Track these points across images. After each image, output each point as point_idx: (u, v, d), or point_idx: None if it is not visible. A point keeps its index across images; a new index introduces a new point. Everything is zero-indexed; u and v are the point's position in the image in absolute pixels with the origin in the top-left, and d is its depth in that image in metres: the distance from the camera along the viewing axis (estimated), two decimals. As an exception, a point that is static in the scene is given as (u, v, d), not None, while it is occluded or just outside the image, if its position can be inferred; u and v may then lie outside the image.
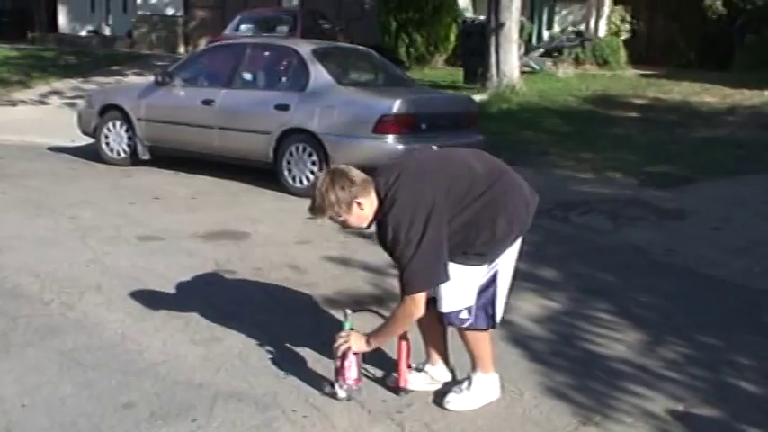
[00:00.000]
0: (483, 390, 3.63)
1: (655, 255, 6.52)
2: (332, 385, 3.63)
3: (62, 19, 25.22)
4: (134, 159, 9.39)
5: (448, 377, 3.80)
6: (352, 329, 3.59)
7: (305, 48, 8.49)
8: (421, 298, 3.30)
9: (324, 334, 3.59)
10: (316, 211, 3.32)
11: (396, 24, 17.87)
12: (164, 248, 5.97)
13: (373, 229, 3.48)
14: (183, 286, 5.04)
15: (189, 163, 9.13)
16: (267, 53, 9.00)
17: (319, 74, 8.08)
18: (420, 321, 3.55)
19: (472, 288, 3.44)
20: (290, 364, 3.93)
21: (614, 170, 9.81)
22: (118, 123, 9.43)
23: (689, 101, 14.17)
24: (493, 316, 3.56)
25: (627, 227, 7.43)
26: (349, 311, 3.68)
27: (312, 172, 7.84)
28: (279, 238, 6.33)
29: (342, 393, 3.58)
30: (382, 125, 7.53)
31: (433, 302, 3.49)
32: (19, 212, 7.01)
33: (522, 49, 18.72)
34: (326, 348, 3.66)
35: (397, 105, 7.62)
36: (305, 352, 4.04)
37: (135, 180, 8.73)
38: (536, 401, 3.72)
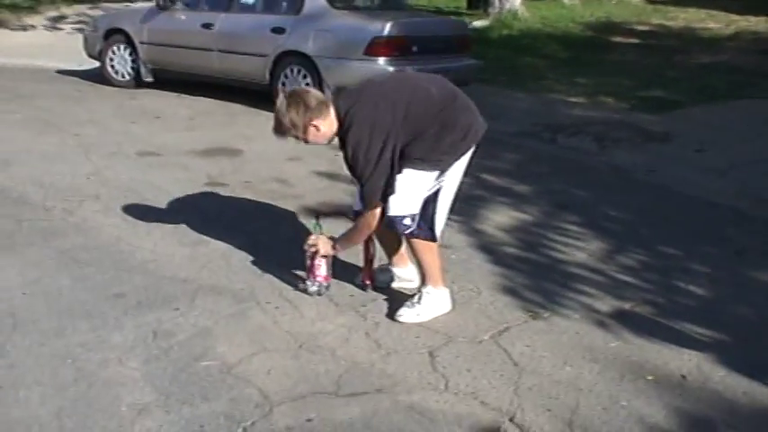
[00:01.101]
0: (433, 303, 3.83)
1: (635, 174, 6.77)
2: (304, 282, 3.95)
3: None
4: (138, 82, 9.66)
5: (410, 275, 4.08)
6: (321, 234, 3.90)
7: (301, -29, 8.65)
8: (378, 210, 3.58)
9: (302, 239, 3.91)
10: (276, 132, 3.61)
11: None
12: (161, 163, 6.29)
13: None
14: (176, 196, 5.36)
15: (191, 86, 9.39)
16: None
17: (313, -3, 8.26)
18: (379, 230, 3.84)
19: (418, 196, 3.65)
20: (268, 264, 4.25)
21: (607, 95, 10.00)
22: (122, 47, 9.68)
23: (692, 27, 14.21)
24: (432, 229, 3.77)
25: (612, 148, 7.65)
26: (318, 215, 3.98)
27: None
28: (270, 155, 6.62)
29: (312, 289, 3.92)
30: (373, 47, 7.75)
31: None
32: (28, 130, 7.33)
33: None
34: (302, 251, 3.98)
35: (388, 28, 7.82)
36: (283, 254, 4.35)
37: (138, 101, 9.01)
38: (492, 299, 4.04)
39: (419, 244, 3.77)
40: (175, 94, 9.41)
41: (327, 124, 3.56)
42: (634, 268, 4.56)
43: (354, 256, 4.11)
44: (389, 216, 3.64)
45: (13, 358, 3.24)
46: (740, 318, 3.95)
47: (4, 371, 3.13)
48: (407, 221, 3.65)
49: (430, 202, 3.73)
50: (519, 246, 4.87)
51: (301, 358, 3.35)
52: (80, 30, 14.14)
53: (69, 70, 11.06)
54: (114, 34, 9.76)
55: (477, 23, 14.65)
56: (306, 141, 3.64)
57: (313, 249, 3.82)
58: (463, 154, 3.73)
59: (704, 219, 5.58)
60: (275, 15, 8.49)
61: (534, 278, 4.34)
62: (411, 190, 3.62)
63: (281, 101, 3.55)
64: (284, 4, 8.54)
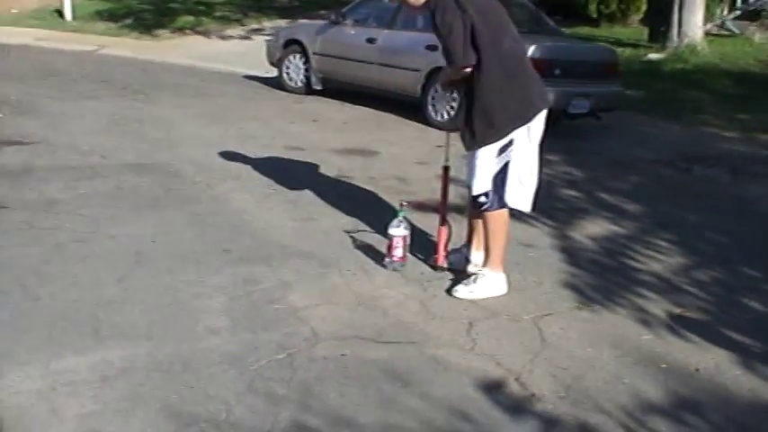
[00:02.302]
0: (488, 285, 4.28)
1: (756, 206, 6.84)
2: (383, 259, 4.53)
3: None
4: (308, 89, 10.61)
5: (481, 260, 4.56)
6: (405, 216, 4.47)
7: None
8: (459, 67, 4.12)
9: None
10: None
11: (588, -19, 18.04)
12: (303, 156, 7.07)
13: None
14: (304, 183, 6.06)
15: (354, 95, 10.22)
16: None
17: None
18: (470, 213, 4.46)
19: (489, 173, 4.18)
20: (361, 241, 4.84)
21: (764, 132, 9.88)
22: (297, 56, 10.67)
23: None
24: (502, 198, 4.23)
25: (746, 181, 7.70)
26: (404, 203, 4.56)
27: (452, 107, 8.66)
28: (402, 158, 7.25)
29: (388, 265, 4.49)
30: (516, 68, 8.17)
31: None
32: (201, 121, 8.39)
33: (726, 11, 18.34)
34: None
35: (531, 51, 8.23)
36: (376, 236, 4.91)
37: (303, 105, 9.94)
38: (549, 290, 4.43)
39: (492, 223, 4.26)
40: (339, 101, 10.27)
41: None
42: (704, 282, 4.77)
43: (428, 240, 4.63)
44: (473, 197, 4.22)
45: (128, 284, 4.02)
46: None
47: (119, 291, 3.92)
48: (482, 199, 4.20)
49: (501, 173, 4.20)
50: (599, 252, 5.19)
51: (356, 312, 3.92)
52: (271, 40, 15.52)
53: (255, 76, 12.22)
54: (292, 44, 10.77)
55: (653, 56, 14.66)
56: (404, 2, 4.25)
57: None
58: (524, 123, 4.17)
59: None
60: (431, 33, 9.10)
61: (600, 279, 4.67)
62: (482, 168, 4.17)
63: None
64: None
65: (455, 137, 4.39)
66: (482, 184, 4.20)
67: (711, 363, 3.68)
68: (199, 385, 3.10)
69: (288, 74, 10.87)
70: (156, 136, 7.49)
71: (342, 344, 3.56)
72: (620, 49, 15.20)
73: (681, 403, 3.30)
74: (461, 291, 4.25)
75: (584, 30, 17.85)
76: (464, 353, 3.58)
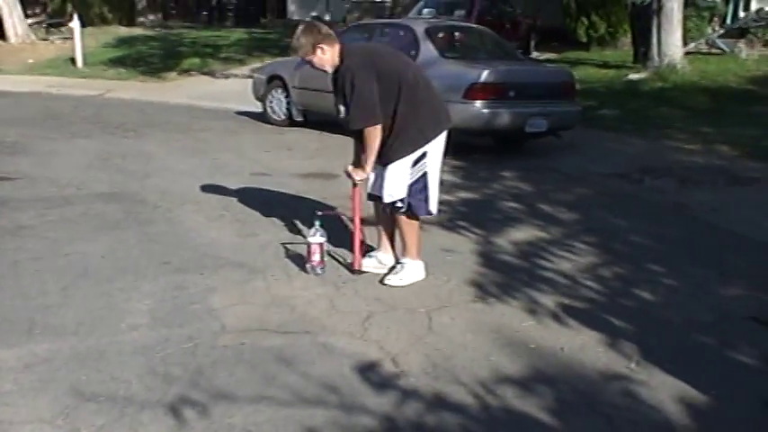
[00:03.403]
0: (412, 271, 4.89)
1: (693, 212, 7.21)
2: (304, 265, 5.05)
3: (291, 5, 28.03)
4: (290, 121, 11.20)
5: (392, 262, 5.08)
6: (322, 226, 4.99)
7: (420, 26, 9.86)
8: (376, 128, 4.59)
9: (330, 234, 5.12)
10: (292, 50, 4.78)
11: (576, 7, 18.57)
12: (265, 181, 7.62)
13: None
14: (257, 205, 6.59)
15: (333, 124, 10.75)
16: (391, 31, 10.42)
17: (427, 48, 9.42)
18: (377, 217, 5.01)
19: (402, 183, 4.74)
20: (293, 251, 5.33)
21: (724, 143, 10.26)
22: (279, 90, 11.30)
23: None
24: (426, 206, 4.82)
25: (691, 189, 8.08)
26: (319, 212, 5.07)
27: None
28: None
29: (310, 270, 5.00)
30: (471, 92, 8.73)
31: (380, 199, 4.84)
32: (179, 154, 9.01)
33: (716, 30, 18.76)
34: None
35: (485, 75, 8.78)
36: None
37: (283, 136, 10.53)
38: (452, 287, 4.90)
39: (405, 221, 4.84)
40: (318, 131, 10.84)
41: (332, 52, 4.64)
42: (605, 278, 5.20)
43: (345, 245, 5.13)
44: (386, 203, 4.77)
45: (70, 292, 4.56)
46: (661, 320, 4.50)
47: (59, 298, 4.46)
48: (399, 204, 4.76)
49: (422, 183, 4.78)
50: (515, 255, 5.64)
51: (268, 310, 4.42)
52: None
53: (246, 111, 12.85)
54: (274, 80, 11.40)
55: (634, 76, 15.12)
56: (312, 65, 4.71)
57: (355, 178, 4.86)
58: (434, 138, 4.73)
59: (724, 248, 5.99)
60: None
61: (506, 277, 5.13)
62: (396, 179, 4.71)
63: (300, 27, 4.71)
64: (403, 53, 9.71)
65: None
66: (397, 191, 4.77)
67: (578, 343, 4.12)
68: (107, 370, 3.62)
69: (272, 107, 11.49)
70: (133, 168, 8.08)
71: (244, 335, 4.06)
72: (603, 71, 15.79)
73: (535, 376, 3.74)
74: (392, 279, 4.84)
75: (574, 54, 18.40)
76: (352, 340, 4.06)
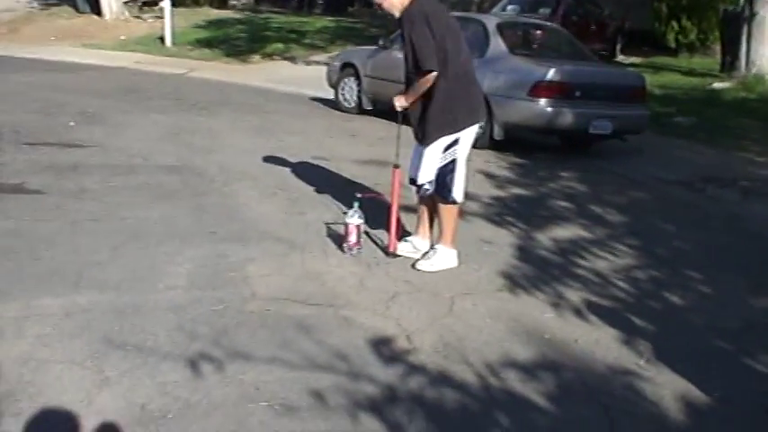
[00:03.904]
0: (444, 258, 5.04)
1: (746, 223, 7.15)
2: (341, 245, 5.25)
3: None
4: (360, 109, 11.42)
5: (427, 248, 5.23)
6: (360, 207, 5.18)
7: (491, 21, 9.94)
8: (432, 75, 4.73)
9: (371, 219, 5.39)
10: None
11: (666, 10, 18.25)
12: (323, 164, 7.84)
13: None
14: (313, 186, 6.78)
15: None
16: (464, 24, 10.48)
17: (497, 44, 9.49)
18: (419, 202, 5.21)
19: (433, 166, 4.92)
20: (335, 231, 5.51)
21: (798, 157, 10.04)
22: (351, 78, 11.52)
23: None
24: (450, 193, 4.96)
25: (751, 201, 7.96)
26: (359, 195, 5.26)
27: (481, 127, 9.27)
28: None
29: (346, 250, 5.19)
30: (536, 90, 8.79)
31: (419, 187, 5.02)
32: (246, 133, 9.32)
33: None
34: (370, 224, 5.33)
35: (551, 73, 8.82)
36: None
37: (350, 123, 10.75)
38: (482, 276, 5.03)
39: (445, 210, 5.02)
40: (385, 120, 10.99)
41: None
42: (638, 279, 5.24)
43: (381, 227, 5.31)
44: (418, 184, 4.98)
45: (119, 252, 4.87)
46: (684, 324, 4.55)
47: (109, 257, 4.77)
48: (426, 186, 4.96)
49: (451, 169, 4.94)
50: (553, 251, 5.72)
51: (299, 282, 4.64)
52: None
53: (320, 98, 13.12)
54: (347, 68, 11.63)
55: (717, 85, 14.84)
56: (380, 6, 4.93)
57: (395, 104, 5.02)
58: (469, 126, 4.90)
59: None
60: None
61: (538, 271, 5.22)
62: (429, 162, 4.90)
63: None
64: (474, 47, 9.80)
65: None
66: (427, 174, 4.95)
67: (593, 338, 4.21)
68: (139, 323, 3.88)
69: (343, 95, 11.74)
70: (200, 144, 8.43)
71: (271, 302, 4.28)
72: (687, 78, 15.54)
73: (542, 364, 3.85)
74: (423, 264, 5.00)
75: (661, 59, 18.10)
76: (373, 315, 4.24)
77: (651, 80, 14.28)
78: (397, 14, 4.92)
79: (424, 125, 4.93)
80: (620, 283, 5.10)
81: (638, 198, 7.80)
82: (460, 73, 4.89)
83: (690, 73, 16.72)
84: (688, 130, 11.60)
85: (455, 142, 4.92)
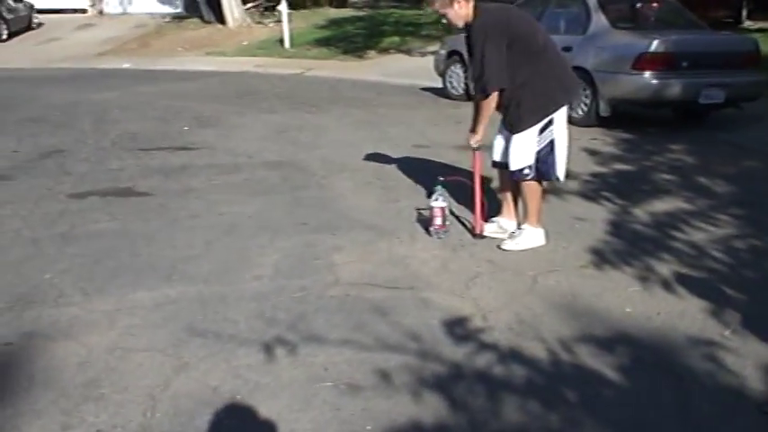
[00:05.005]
0: (530, 237, 5.02)
1: None
2: (427, 228, 5.31)
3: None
4: (468, 95, 11.37)
5: (514, 228, 5.21)
6: (445, 188, 5.22)
7: (594, -2, 9.69)
8: (495, 95, 4.75)
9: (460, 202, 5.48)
10: (427, 2, 4.98)
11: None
12: (423, 152, 7.91)
13: None
14: (409, 173, 6.86)
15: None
16: (564, 2, 10.30)
17: (599, 19, 9.27)
18: (502, 183, 5.20)
19: (530, 150, 4.87)
20: (425, 216, 5.54)
21: None
22: (458, 65, 11.51)
23: None
24: (553, 172, 4.93)
25: None
26: (441, 178, 5.30)
27: (585, 104, 9.13)
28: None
29: (433, 234, 5.25)
30: (640, 62, 8.55)
31: (506, 166, 5.00)
32: (351, 127, 9.50)
33: None
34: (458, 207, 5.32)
35: (654, 45, 8.55)
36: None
37: (457, 111, 10.73)
38: (569, 252, 4.98)
39: (530, 187, 4.97)
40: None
41: (467, 8, 4.81)
42: (737, 249, 5.05)
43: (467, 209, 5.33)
44: (512, 171, 4.94)
45: (213, 246, 5.11)
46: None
47: (202, 251, 5.01)
48: (526, 171, 4.91)
49: (551, 151, 4.89)
50: (649, 225, 5.57)
51: (381, 267, 4.73)
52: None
53: (431, 87, 13.16)
54: (453, 55, 11.63)
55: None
56: (444, 16, 4.89)
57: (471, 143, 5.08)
58: (561, 105, 4.86)
59: None
60: (567, 35, 9.60)
61: (629, 246, 5.11)
62: (523, 147, 4.86)
63: None
64: (575, 25, 9.64)
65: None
66: (525, 159, 4.91)
67: (678, 310, 4.11)
68: (222, 312, 4.07)
69: (451, 83, 11.75)
70: (304, 140, 8.66)
71: (352, 287, 4.39)
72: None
73: (617, 338, 3.79)
74: (509, 244, 5.01)
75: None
76: (451, 296, 4.28)
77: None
78: (460, 25, 4.90)
79: (517, 113, 4.88)
80: (717, 254, 4.93)
81: (749, 167, 7.47)
82: (545, 57, 4.85)
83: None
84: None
85: (550, 123, 4.87)
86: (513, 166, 4.95)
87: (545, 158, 4.91)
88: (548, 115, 4.85)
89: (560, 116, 4.90)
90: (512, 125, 4.93)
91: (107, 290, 4.36)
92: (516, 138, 4.90)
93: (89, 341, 3.71)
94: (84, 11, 27.76)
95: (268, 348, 3.65)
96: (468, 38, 4.94)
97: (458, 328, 3.89)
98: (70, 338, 3.75)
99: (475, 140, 4.98)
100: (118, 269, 4.68)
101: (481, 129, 4.93)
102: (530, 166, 4.90)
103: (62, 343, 3.71)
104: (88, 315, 4.02)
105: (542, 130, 4.88)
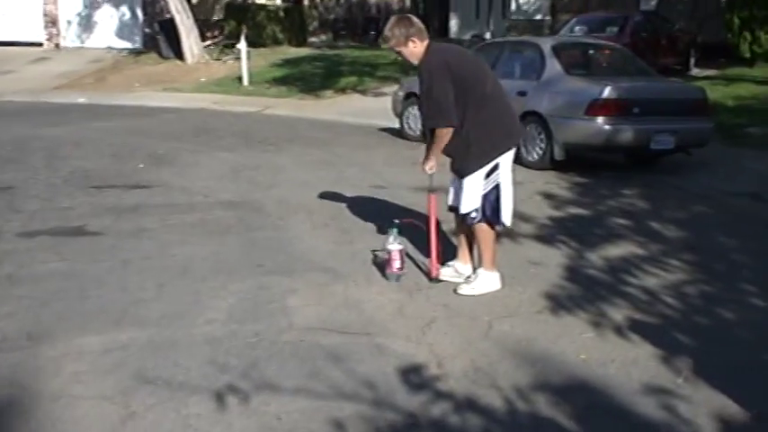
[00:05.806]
0: (485, 282, 5.01)
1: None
2: (384, 272, 5.29)
3: (453, 24, 28.41)
4: (425, 137, 11.44)
5: (469, 272, 5.22)
6: (399, 233, 5.21)
7: (547, 44, 9.87)
8: (448, 130, 4.80)
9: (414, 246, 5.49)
10: (383, 39, 5.02)
11: (738, 22, 17.79)
12: (379, 193, 7.90)
13: None
14: (365, 215, 6.82)
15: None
16: (519, 48, 10.48)
17: (553, 66, 9.43)
18: (457, 227, 5.23)
19: (477, 195, 4.91)
20: (382, 259, 5.50)
21: None
22: (415, 107, 11.55)
23: None
24: (498, 217, 4.96)
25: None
26: (396, 221, 5.30)
27: (540, 148, 9.24)
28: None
29: (390, 277, 5.23)
30: (592, 108, 8.69)
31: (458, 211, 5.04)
32: (309, 167, 9.47)
33: None
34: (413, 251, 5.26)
35: (607, 92, 8.70)
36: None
37: (414, 152, 10.71)
38: (525, 298, 4.99)
39: (482, 231, 5.00)
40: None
41: (420, 47, 4.85)
42: (689, 295, 5.13)
43: (422, 254, 5.32)
44: (462, 214, 4.97)
45: (165, 289, 5.01)
46: (732, 338, 4.47)
47: (154, 294, 4.92)
48: (473, 214, 4.95)
49: (495, 195, 4.94)
50: (603, 270, 5.62)
51: (336, 311, 4.69)
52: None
53: (388, 128, 13.20)
54: (410, 96, 11.70)
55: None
56: (401, 55, 4.92)
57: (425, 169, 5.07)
58: (507, 151, 4.91)
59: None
60: (522, 80, 9.75)
61: (584, 291, 5.15)
62: (471, 191, 4.90)
63: (393, 18, 4.95)
64: (530, 70, 9.79)
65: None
66: (472, 203, 4.94)
67: (631, 357, 4.13)
68: (173, 357, 3.99)
69: (408, 123, 11.82)
70: (261, 179, 8.61)
71: (306, 333, 4.34)
72: (762, 89, 15.05)
73: (573, 386, 3.81)
74: (464, 288, 5.00)
75: (737, 71, 17.60)
76: (407, 342, 4.26)
77: (724, 92, 14.01)
78: (415, 63, 4.95)
79: (462, 158, 4.94)
80: (668, 300, 4.99)
81: (699, 212, 7.60)
82: (492, 101, 4.90)
83: (765, 83, 16.18)
84: (760, 140, 11.23)
85: (495, 167, 4.91)
86: (463, 210, 5.00)
87: (492, 203, 4.95)
88: (493, 159, 4.88)
89: (506, 161, 4.96)
90: (458, 171, 4.96)
91: (54, 334, 4.26)
92: (465, 182, 4.93)
93: (33, 389, 3.60)
94: (39, 44, 27.44)
95: (220, 396, 3.58)
96: (419, 75, 4.96)
97: (413, 375, 3.86)
98: (13, 386, 3.64)
99: (429, 166, 5.01)
100: (66, 312, 4.58)
101: (434, 158, 4.96)
102: (476, 209, 4.94)
103: (4, 391, 3.60)
104: (33, 361, 3.92)
105: (488, 174, 4.92)
